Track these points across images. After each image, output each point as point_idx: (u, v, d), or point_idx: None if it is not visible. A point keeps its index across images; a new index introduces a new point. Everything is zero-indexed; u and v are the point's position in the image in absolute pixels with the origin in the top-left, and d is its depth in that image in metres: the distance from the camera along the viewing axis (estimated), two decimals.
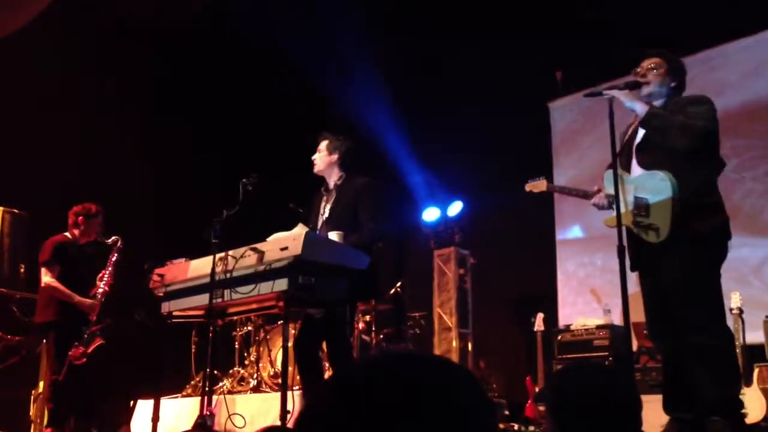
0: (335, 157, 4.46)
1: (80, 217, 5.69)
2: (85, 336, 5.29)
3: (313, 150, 4.56)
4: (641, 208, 3.42)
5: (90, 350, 5.28)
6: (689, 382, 3.29)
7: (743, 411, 3.31)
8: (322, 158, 4.47)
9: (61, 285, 5.45)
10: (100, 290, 5.48)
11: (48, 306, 5.47)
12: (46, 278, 5.48)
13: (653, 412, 3.64)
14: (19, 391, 6.23)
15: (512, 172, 7.42)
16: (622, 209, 3.46)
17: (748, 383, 5.32)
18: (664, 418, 3.50)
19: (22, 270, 6.71)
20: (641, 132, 3.57)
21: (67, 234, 5.72)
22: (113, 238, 5.64)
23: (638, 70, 3.62)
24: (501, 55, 8.08)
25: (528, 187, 4.58)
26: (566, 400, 1.41)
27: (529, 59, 8.11)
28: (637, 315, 3.75)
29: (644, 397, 4.25)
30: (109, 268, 5.57)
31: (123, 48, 7.72)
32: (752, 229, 6.08)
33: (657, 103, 3.55)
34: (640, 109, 3.42)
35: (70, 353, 5.23)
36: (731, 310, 5.47)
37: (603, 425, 1.36)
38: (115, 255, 5.59)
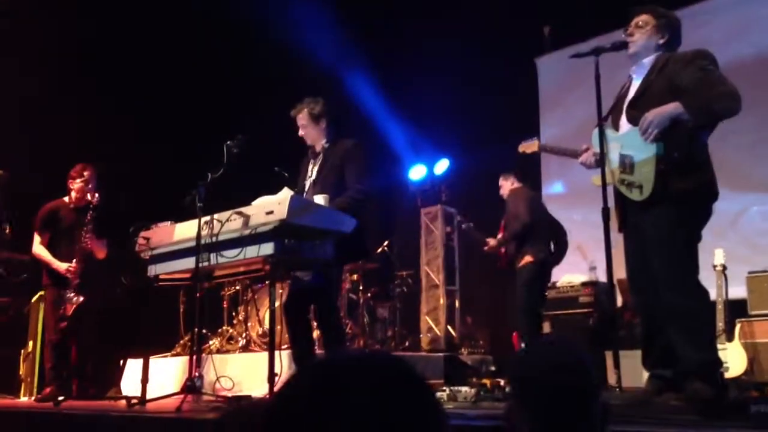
0: (323, 124, 4.41)
1: (69, 180, 5.73)
2: (66, 298, 5.41)
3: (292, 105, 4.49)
4: (626, 165, 3.40)
5: (70, 312, 5.37)
6: (668, 340, 3.32)
7: (722, 370, 3.34)
8: (311, 131, 4.40)
9: (44, 252, 5.58)
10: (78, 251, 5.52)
11: (42, 270, 5.64)
12: (34, 245, 5.64)
13: (636, 367, 3.71)
14: (8, 351, 6.26)
15: (499, 128, 7.43)
16: (608, 167, 3.45)
17: (731, 338, 5.42)
18: (646, 373, 3.55)
19: (7, 230, 6.64)
20: (634, 88, 3.54)
21: (66, 198, 5.76)
22: (94, 195, 5.62)
23: (627, 28, 3.57)
24: (488, 10, 7.98)
25: (521, 148, 4.60)
26: (527, 378, 1.43)
27: (516, 14, 8.02)
28: (622, 271, 3.78)
29: (627, 352, 4.37)
30: (86, 227, 5.53)
31: (106, 5, 7.55)
32: (731, 184, 6.13)
33: (646, 60, 3.51)
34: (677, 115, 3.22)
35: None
36: (714, 266, 5.55)
37: (562, 402, 1.38)
38: (90, 213, 5.55)
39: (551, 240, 6.43)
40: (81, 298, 5.38)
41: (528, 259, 6.15)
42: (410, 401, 0.84)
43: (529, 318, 6.14)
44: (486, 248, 6.55)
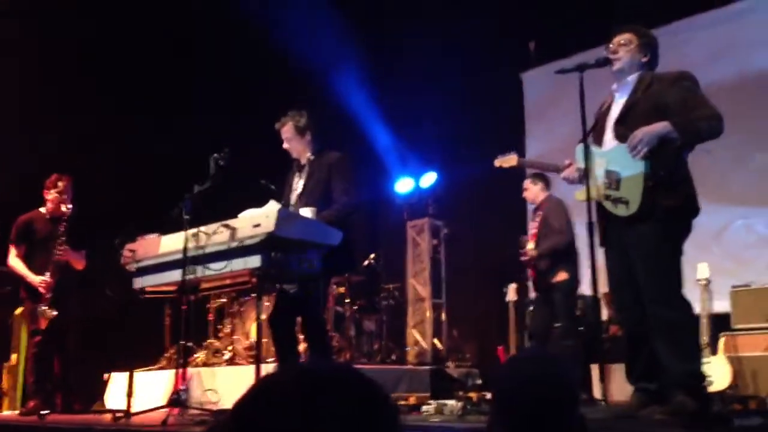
0: (308, 137, 4.42)
1: (44, 191, 5.60)
2: (38, 312, 5.29)
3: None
4: (612, 181, 3.44)
5: (44, 326, 5.26)
6: (652, 354, 3.35)
7: (705, 384, 3.38)
8: (296, 144, 4.41)
9: (18, 264, 5.45)
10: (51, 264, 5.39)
11: (20, 282, 5.50)
12: (9, 257, 5.50)
13: (623, 380, 3.73)
14: None
15: (485, 142, 7.46)
16: (593, 183, 3.49)
17: (714, 352, 5.46)
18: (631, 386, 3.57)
19: None
20: (617, 105, 3.58)
21: (42, 209, 5.63)
22: (68, 206, 5.49)
23: (610, 46, 3.62)
24: (474, 25, 8.05)
25: (497, 163, 4.58)
26: (509, 390, 1.45)
27: (502, 29, 8.09)
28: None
29: (613, 366, 4.37)
30: (59, 239, 5.40)
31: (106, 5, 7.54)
32: (714, 198, 6.21)
33: (630, 78, 3.56)
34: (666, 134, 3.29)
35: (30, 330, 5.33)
36: (698, 280, 5.58)
37: (542, 414, 1.40)
38: (64, 225, 5.42)
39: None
40: (54, 313, 5.24)
41: (563, 275, 5.90)
42: (390, 415, 0.86)
43: (574, 330, 5.93)
44: (524, 258, 6.16)
